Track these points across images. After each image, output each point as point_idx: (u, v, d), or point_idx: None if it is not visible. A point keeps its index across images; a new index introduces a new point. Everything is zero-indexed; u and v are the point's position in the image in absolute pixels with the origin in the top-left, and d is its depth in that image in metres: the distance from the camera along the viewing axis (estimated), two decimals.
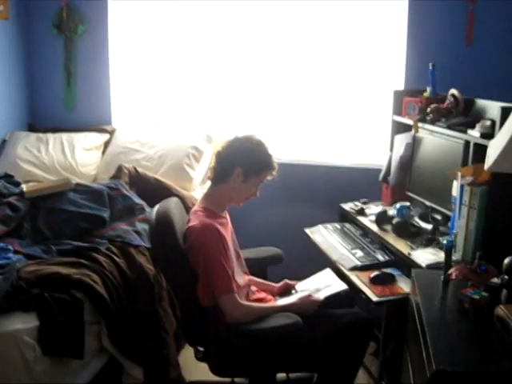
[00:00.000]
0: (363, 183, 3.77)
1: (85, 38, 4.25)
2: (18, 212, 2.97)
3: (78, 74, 4.32)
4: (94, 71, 4.30)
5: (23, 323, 2.25)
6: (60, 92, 4.36)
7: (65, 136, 4.14)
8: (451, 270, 2.27)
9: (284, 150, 4.15)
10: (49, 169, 3.91)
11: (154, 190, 3.39)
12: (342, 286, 2.64)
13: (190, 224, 2.42)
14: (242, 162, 2.46)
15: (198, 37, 4.15)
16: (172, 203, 2.58)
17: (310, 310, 2.50)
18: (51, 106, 4.40)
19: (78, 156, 3.99)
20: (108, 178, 3.56)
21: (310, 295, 2.56)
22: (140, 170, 3.60)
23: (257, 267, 2.87)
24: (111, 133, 4.23)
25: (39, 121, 4.40)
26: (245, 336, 2.39)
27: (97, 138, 4.16)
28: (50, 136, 4.14)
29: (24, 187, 3.17)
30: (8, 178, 3.39)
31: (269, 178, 2.58)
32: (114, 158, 3.93)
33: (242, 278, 2.58)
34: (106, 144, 4.17)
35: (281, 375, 2.76)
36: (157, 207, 2.51)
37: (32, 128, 4.36)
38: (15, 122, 4.30)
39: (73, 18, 4.20)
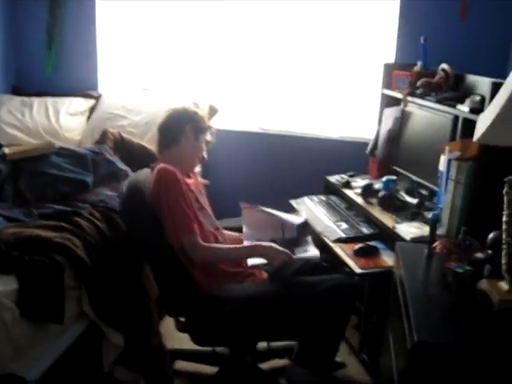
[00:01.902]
0: (350, 156, 3.75)
1: (72, 2, 4.16)
2: None
3: (64, 39, 4.23)
4: (81, 36, 4.22)
5: (2, 285, 2.20)
6: (44, 56, 4.27)
7: (49, 100, 4.06)
8: (435, 244, 2.26)
9: (271, 121, 4.14)
10: (32, 133, 3.84)
11: (139, 156, 3.35)
12: (315, 253, 2.64)
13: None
14: (189, 120, 2.66)
15: (187, 2, 4.08)
16: (143, 174, 2.64)
17: (278, 260, 2.50)
18: (36, 70, 4.32)
19: (63, 121, 3.93)
20: (92, 142, 3.50)
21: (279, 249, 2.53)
22: (125, 135, 3.55)
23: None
24: (97, 98, 4.16)
25: (24, 84, 4.31)
26: (222, 302, 2.41)
27: (82, 104, 4.09)
28: (35, 100, 4.06)
29: (6, 150, 3.11)
30: None
31: (209, 139, 2.78)
32: (99, 124, 3.86)
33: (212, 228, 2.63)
34: (92, 110, 4.10)
35: (262, 344, 2.77)
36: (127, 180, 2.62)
37: (16, 90, 4.28)
38: None
39: None
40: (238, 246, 2.61)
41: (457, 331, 1.75)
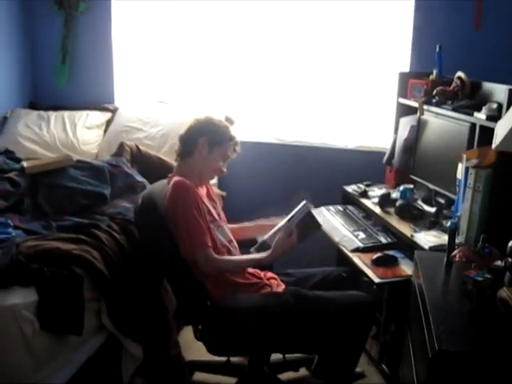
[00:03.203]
0: (366, 166, 3.74)
1: (87, 16, 4.20)
2: (18, 187, 2.93)
3: (80, 52, 4.26)
4: (97, 49, 4.25)
5: (22, 297, 2.22)
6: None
7: (66, 114, 4.10)
8: (455, 252, 2.25)
9: (287, 131, 4.13)
10: (50, 146, 3.88)
11: (156, 169, 3.36)
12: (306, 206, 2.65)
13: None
14: (204, 133, 2.60)
15: (202, 15, 4.10)
16: (159, 185, 2.66)
17: (287, 250, 2.54)
18: (53, 84, 4.33)
19: (80, 134, 3.97)
20: (109, 155, 3.53)
21: (281, 238, 2.56)
22: (142, 148, 3.57)
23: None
24: (113, 111, 4.19)
25: (41, 98, 4.36)
26: (234, 312, 2.42)
27: (98, 117, 4.13)
28: (52, 114, 4.10)
29: (25, 163, 3.14)
30: (8, 153, 3.36)
31: (233, 154, 2.69)
32: (115, 137, 3.89)
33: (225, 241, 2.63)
34: (108, 122, 4.14)
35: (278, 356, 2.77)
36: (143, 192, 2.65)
37: (33, 106, 4.32)
38: (16, 100, 4.25)
39: None
40: (248, 257, 2.61)
41: (477, 339, 1.73)
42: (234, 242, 2.72)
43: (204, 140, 2.58)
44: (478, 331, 1.78)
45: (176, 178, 2.53)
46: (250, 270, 2.63)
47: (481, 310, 1.89)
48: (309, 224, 2.63)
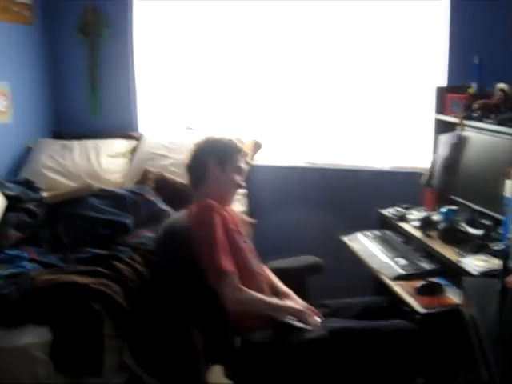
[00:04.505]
0: (402, 188, 3.55)
1: (110, 42, 4.13)
2: (35, 218, 2.84)
3: (103, 79, 4.19)
4: (120, 76, 4.17)
5: (35, 337, 2.09)
6: (85, 98, 4.23)
7: (90, 143, 4.01)
8: (509, 278, 2.03)
9: (317, 154, 3.98)
10: (74, 176, 3.77)
11: (182, 196, 3.20)
12: None
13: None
14: (211, 154, 2.51)
15: (227, 38, 4.01)
16: (182, 214, 2.51)
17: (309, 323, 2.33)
18: (76, 112, 4.27)
19: (104, 163, 3.86)
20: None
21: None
22: (167, 175, 3.44)
23: (294, 278, 2.70)
24: (138, 139, 4.09)
25: (64, 127, 4.28)
26: (263, 349, 2.24)
27: (123, 145, 4.03)
28: (75, 143, 4.01)
29: (44, 194, 3.03)
30: (28, 184, 3.27)
31: (243, 164, 2.58)
32: (141, 165, 3.78)
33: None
34: (133, 150, 4.03)
35: None
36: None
37: (57, 135, 4.24)
38: (40, 129, 4.19)
39: (97, 21, 4.09)
40: (278, 302, 2.42)
41: None
42: (262, 272, 2.54)
43: (213, 161, 2.49)
44: None
45: (198, 202, 2.42)
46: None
47: None
48: None
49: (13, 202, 2.97)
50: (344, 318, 2.47)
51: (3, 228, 2.77)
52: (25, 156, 4.00)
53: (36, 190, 3.19)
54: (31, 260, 2.56)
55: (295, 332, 2.29)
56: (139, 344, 2.45)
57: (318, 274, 2.76)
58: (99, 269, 2.49)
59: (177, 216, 2.58)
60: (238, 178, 2.54)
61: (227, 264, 2.26)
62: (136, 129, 4.21)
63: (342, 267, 3.35)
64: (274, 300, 2.41)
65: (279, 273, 2.68)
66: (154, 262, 2.67)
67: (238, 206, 3.55)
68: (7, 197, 2.99)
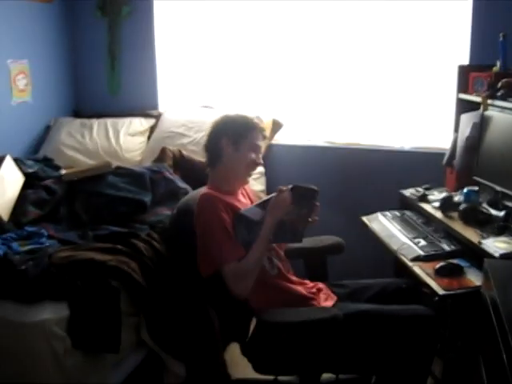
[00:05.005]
0: (424, 168, 3.49)
1: (129, 20, 4.09)
2: (53, 195, 2.83)
3: (123, 58, 4.17)
4: (139, 54, 4.14)
5: (53, 313, 2.09)
6: (104, 76, 4.22)
7: (109, 121, 4.01)
8: None
9: (338, 133, 3.92)
10: (92, 154, 3.78)
11: (200, 174, 3.18)
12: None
13: None
14: (224, 133, 2.45)
15: (247, 15, 3.94)
16: (197, 193, 2.47)
17: (284, 208, 2.30)
18: (96, 91, 4.27)
19: (123, 141, 3.86)
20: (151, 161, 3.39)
21: (273, 197, 2.33)
22: (185, 153, 3.42)
23: (315, 258, 2.71)
24: (157, 117, 4.07)
25: (84, 106, 4.29)
26: (276, 328, 2.21)
27: (142, 123, 4.02)
28: (95, 121, 4.01)
29: (63, 171, 3.03)
30: (47, 161, 3.28)
31: (260, 141, 2.49)
32: (159, 143, 3.75)
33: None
34: (152, 129, 4.02)
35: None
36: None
37: (77, 114, 4.26)
38: (60, 108, 4.20)
39: None
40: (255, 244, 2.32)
41: None
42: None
43: (226, 139, 2.42)
44: None
45: (203, 191, 2.42)
46: (295, 279, 2.45)
47: None
48: (302, 191, 2.41)
49: (31, 180, 2.99)
50: (361, 298, 2.45)
51: (22, 205, 2.79)
52: (44, 134, 4.02)
53: (55, 167, 3.20)
54: (50, 237, 2.56)
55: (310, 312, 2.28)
56: (156, 321, 2.45)
57: (339, 254, 2.74)
58: (117, 246, 2.49)
59: (193, 194, 2.56)
60: (255, 156, 2.47)
61: (228, 252, 2.24)
62: (156, 107, 4.18)
63: (362, 248, 3.34)
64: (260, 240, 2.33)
65: (300, 252, 2.68)
66: (170, 239, 2.67)
67: (257, 184, 3.53)
68: (26, 174, 3.00)
